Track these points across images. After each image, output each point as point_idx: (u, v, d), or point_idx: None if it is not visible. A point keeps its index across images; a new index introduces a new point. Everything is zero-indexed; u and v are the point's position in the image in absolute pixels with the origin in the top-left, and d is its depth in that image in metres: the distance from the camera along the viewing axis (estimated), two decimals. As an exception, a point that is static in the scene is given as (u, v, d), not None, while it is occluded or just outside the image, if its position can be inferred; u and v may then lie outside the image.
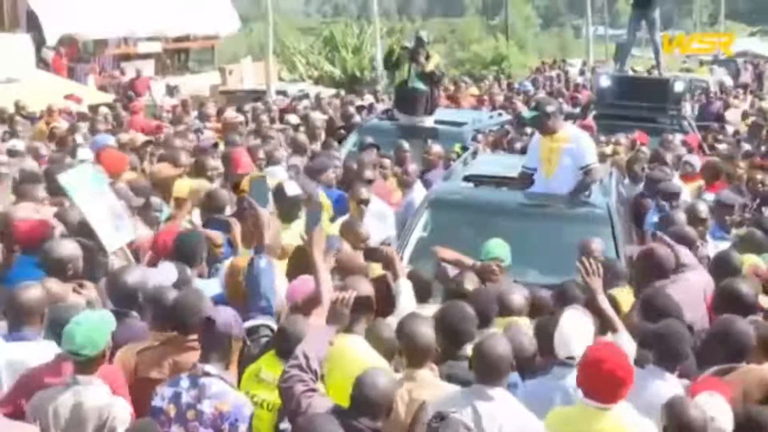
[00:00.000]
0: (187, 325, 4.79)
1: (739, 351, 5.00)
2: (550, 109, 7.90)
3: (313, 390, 4.26)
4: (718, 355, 5.02)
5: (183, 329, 4.80)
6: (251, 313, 4.99)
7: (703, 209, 7.91)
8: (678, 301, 5.58)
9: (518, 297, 5.64)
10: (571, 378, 4.62)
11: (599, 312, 5.15)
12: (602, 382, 4.26)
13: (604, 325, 5.13)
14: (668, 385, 4.73)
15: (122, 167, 8.75)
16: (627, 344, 5.08)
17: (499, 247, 6.38)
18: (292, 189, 7.38)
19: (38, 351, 4.77)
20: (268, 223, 5.20)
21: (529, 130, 13.26)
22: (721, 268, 6.43)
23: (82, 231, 6.28)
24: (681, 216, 7.65)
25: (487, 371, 4.40)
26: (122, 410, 4.36)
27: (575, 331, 4.81)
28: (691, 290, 6.11)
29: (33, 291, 5.07)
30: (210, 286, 5.77)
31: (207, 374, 4.39)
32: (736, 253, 6.75)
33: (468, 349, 4.73)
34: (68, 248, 5.82)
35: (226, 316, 4.57)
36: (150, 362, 4.78)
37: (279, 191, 7.27)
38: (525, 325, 5.36)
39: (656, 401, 4.48)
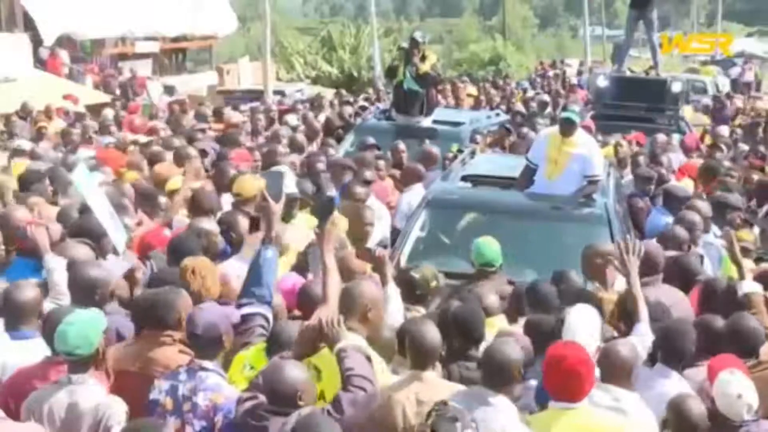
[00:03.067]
0: (160, 322, 4.81)
1: (751, 348, 5.04)
2: (575, 117, 7.97)
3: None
4: (729, 352, 5.03)
5: (157, 326, 4.82)
6: (249, 299, 4.99)
7: (705, 208, 7.94)
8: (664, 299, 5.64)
9: (493, 297, 5.67)
10: None
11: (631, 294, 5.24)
12: (564, 380, 4.27)
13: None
14: (674, 383, 4.77)
15: (121, 164, 8.78)
16: (647, 336, 5.11)
17: (489, 250, 6.38)
18: (287, 188, 7.40)
19: (38, 349, 4.74)
20: (279, 215, 5.24)
21: (525, 129, 13.30)
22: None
23: (82, 232, 6.26)
24: (694, 217, 7.61)
25: (495, 376, 4.38)
26: (118, 409, 4.35)
27: (583, 323, 4.87)
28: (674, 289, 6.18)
29: (29, 290, 5.05)
30: None
31: (204, 369, 4.46)
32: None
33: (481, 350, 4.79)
34: (81, 251, 5.78)
35: (209, 318, 4.58)
36: (126, 358, 4.81)
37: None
38: (503, 324, 5.37)
39: (664, 399, 4.53)
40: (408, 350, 4.63)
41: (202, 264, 5.51)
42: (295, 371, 4.19)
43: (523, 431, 4.29)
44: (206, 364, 4.47)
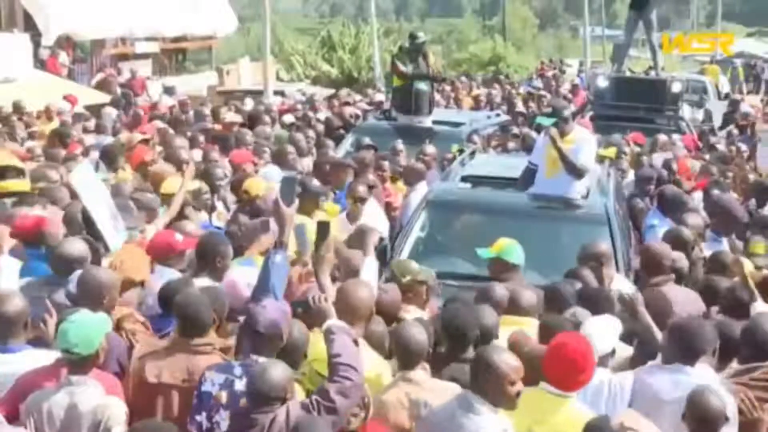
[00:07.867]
0: (197, 329, 4.73)
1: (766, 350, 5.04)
2: (566, 113, 7.96)
3: None
4: (742, 353, 5.09)
5: (192, 333, 4.74)
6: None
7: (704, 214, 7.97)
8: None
9: (530, 294, 5.64)
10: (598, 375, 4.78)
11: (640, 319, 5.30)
12: (562, 368, 4.41)
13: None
14: (688, 378, 4.77)
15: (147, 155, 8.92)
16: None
17: (518, 251, 6.39)
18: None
19: (26, 364, 4.63)
20: (292, 221, 5.26)
21: (526, 129, 13.30)
22: (715, 268, 6.44)
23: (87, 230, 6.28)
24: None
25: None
26: (117, 410, 4.35)
27: (601, 327, 4.93)
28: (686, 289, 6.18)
29: (16, 300, 4.80)
30: None
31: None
32: (728, 253, 6.76)
33: (470, 352, 4.81)
34: (77, 248, 5.72)
35: (271, 316, 4.50)
36: (163, 369, 4.69)
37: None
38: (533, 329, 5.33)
39: (681, 390, 4.60)
40: (395, 351, 4.73)
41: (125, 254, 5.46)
42: (279, 373, 4.22)
43: (455, 389, 4.41)
44: (262, 360, 4.43)
